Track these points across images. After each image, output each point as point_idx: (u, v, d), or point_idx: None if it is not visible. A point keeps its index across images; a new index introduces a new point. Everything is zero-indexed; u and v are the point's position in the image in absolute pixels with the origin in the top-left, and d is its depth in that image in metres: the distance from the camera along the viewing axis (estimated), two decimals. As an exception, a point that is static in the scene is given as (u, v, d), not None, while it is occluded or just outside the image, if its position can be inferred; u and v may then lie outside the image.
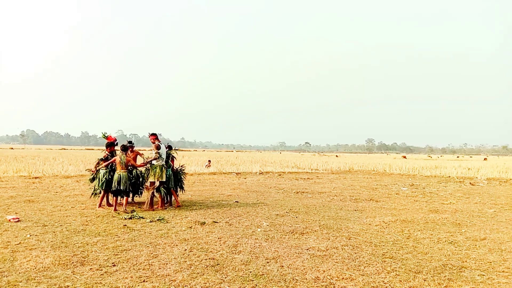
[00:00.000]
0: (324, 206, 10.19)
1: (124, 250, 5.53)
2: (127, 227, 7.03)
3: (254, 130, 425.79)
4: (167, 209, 9.16)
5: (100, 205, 9.11)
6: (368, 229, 7.36)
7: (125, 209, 8.80)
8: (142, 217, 7.87)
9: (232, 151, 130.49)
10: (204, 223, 7.46)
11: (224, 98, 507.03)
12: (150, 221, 7.55)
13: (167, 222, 7.58)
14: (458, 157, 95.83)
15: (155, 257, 5.21)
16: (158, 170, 9.20)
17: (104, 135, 9.73)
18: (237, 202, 10.49)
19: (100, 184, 9.03)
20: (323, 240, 6.35)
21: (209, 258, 5.20)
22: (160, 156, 9.24)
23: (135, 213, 8.33)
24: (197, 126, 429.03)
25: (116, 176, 8.86)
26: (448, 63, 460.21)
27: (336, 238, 6.51)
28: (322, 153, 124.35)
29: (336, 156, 75.12)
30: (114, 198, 8.93)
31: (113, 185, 8.82)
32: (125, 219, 7.73)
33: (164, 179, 9.26)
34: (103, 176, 9.02)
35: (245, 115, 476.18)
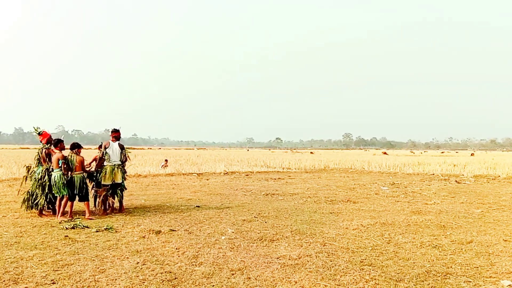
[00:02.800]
0: (297, 209, 10.29)
1: (66, 264, 5.38)
2: (69, 238, 6.84)
3: (219, 125, 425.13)
4: (116, 216, 8.99)
5: (60, 213, 8.72)
6: (345, 233, 7.49)
7: (89, 216, 8.69)
8: (87, 227, 7.69)
9: (193, 148, 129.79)
10: (160, 231, 7.37)
11: (183, 89, 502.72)
12: (96, 231, 7.38)
13: (116, 231, 7.43)
14: (442, 152, 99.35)
15: (102, 272, 5.10)
16: (108, 170, 9.29)
17: (36, 130, 9.45)
18: (198, 206, 10.43)
19: (58, 188, 8.72)
20: (295, 247, 6.41)
21: (165, 272, 5.15)
22: (108, 154, 9.32)
23: (78, 221, 8.12)
24: (152, 120, 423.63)
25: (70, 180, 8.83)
26: (433, 53, 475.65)
27: (309, 245, 6.59)
28: (295, 149, 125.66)
29: (311, 153, 76.12)
30: (64, 204, 8.74)
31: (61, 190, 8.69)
32: (67, 229, 7.53)
33: (120, 181, 9.42)
34: (60, 180, 8.74)
35: (208, 108, 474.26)
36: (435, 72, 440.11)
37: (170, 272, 5.13)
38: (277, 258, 5.81)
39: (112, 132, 9.67)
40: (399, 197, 13.07)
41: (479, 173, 23.18)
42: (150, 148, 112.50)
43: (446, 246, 6.61)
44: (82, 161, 9.04)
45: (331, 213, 9.79)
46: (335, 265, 5.52)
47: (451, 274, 5.23)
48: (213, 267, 5.37)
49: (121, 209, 9.62)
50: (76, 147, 9.18)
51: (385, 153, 76.47)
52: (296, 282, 4.83)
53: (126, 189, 10.10)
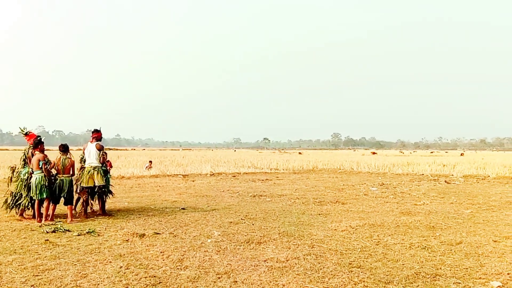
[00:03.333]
0: (285, 210, 10.32)
1: (46, 269, 5.33)
2: (50, 242, 6.77)
3: (205, 125, 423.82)
4: (99, 219, 8.93)
5: (44, 217, 8.71)
6: (334, 235, 7.53)
7: (72, 220, 8.67)
8: (68, 230, 7.62)
9: (178, 149, 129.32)
10: (144, 235, 7.33)
11: (168, 91, 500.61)
12: (78, 235, 7.31)
13: (98, 235, 7.37)
14: (432, 152, 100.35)
15: (84, 277, 5.06)
16: (85, 173, 9.33)
17: (23, 131, 9.43)
18: (184, 209, 10.40)
19: (38, 190, 8.63)
20: (283, 250, 6.42)
21: (150, 276, 5.12)
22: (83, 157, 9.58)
23: (59, 225, 8.04)
24: (136, 120, 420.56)
25: (59, 182, 8.83)
26: (419, 53, 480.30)
27: (297, 247, 6.61)
28: (283, 150, 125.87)
29: (299, 153, 76.34)
30: (46, 207, 8.73)
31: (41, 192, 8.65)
32: (47, 232, 7.45)
33: (102, 183, 9.37)
34: (41, 182, 8.66)
35: (194, 108, 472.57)
36: (424, 72, 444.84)
37: (154, 277, 5.11)
38: (265, 261, 5.82)
39: (92, 132, 9.65)
40: (388, 197, 13.18)
41: (468, 173, 23.47)
42: (134, 149, 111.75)
43: (435, 247, 6.68)
44: (73, 164, 9.07)
45: (319, 214, 9.83)
46: (324, 267, 5.55)
47: (441, 275, 5.29)
48: (199, 270, 5.35)
49: (103, 213, 9.54)
50: (67, 149, 9.16)
51: (374, 153, 77.03)
52: (283, 285, 4.85)
53: (111, 193, 9.98)
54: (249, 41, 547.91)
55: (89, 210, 9.50)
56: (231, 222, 8.61)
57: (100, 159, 9.43)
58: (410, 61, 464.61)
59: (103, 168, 9.55)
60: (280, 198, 12.87)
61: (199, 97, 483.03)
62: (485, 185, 17.34)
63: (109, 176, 9.98)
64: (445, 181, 19.12)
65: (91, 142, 9.60)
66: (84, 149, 9.56)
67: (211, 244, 6.72)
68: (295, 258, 5.98)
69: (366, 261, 5.86)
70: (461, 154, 70.66)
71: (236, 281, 4.97)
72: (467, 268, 5.60)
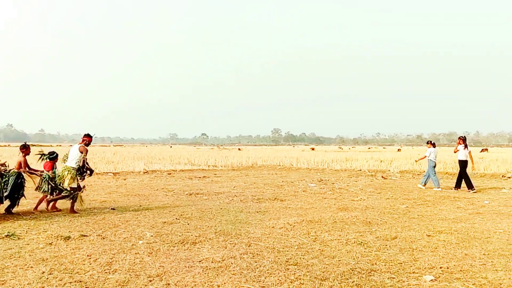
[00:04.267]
0: (222, 209, 10.34)
1: (-45, 279, 5.00)
2: (-40, 248, 6.36)
3: (139, 120, 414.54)
4: (19, 221, 8.50)
5: None
6: (271, 233, 7.64)
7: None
8: (-18, 234, 7.19)
9: (108, 145, 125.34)
10: (69, 237, 7.08)
11: (99, 81, 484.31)
12: (-6, 239, 6.93)
13: (18, 238, 7.03)
14: (370, 148, 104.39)
15: (2, 284, 4.82)
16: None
17: None
18: (114, 209, 10.14)
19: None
20: (219, 249, 6.44)
21: (75, 281, 4.96)
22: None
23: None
24: (61, 114, 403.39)
25: None
26: (357, 50, 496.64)
27: (234, 246, 6.65)
28: (221, 146, 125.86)
29: (239, 149, 76.65)
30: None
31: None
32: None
33: (71, 184, 9.58)
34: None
35: (127, 101, 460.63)
36: (365, 70, 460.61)
37: (80, 281, 4.95)
38: (199, 261, 5.80)
39: (84, 136, 9.98)
40: (326, 194, 13.56)
41: (405, 169, 24.65)
42: (60, 145, 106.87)
43: (371, 243, 6.96)
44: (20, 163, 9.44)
45: (257, 212, 9.94)
46: (260, 266, 5.62)
47: (376, 271, 5.51)
48: (129, 274, 5.24)
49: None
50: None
51: (313, 149, 78.97)
52: (218, 286, 4.86)
53: (71, 196, 9.68)
54: (192, 35, 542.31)
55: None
56: (165, 222, 8.50)
57: (79, 161, 9.64)
58: (352, 60, 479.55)
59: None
60: (217, 196, 12.87)
61: (132, 90, 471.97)
62: (419, 180, 18.22)
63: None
64: (382, 177, 19.95)
65: (78, 143, 10.01)
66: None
67: (142, 246, 6.60)
68: (231, 257, 6.00)
69: (303, 258, 6.00)
70: (398, 150, 73.87)
71: (169, 284, 4.91)
72: (401, 263, 5.87)
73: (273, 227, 8.17)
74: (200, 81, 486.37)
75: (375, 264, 5.81)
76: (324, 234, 7.53)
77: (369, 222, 8.77)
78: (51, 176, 9.81)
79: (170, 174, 21.25)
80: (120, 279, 5.04)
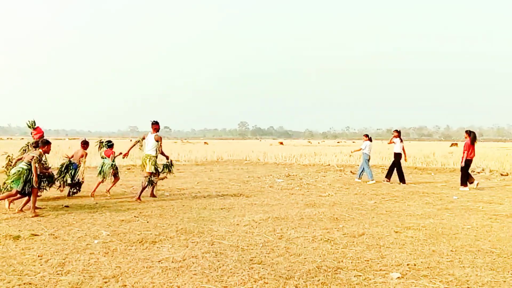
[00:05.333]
0: (184, 205, 10.29)
1: None
2: None
3: (95, 111, 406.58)
4: None
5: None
6: (236, 230, 7.65)
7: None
8: None
9: (63, 139, 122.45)
10: (19, 236, 6.92)
11: (54, 68, 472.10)
12: None
13: (-39, 239, 6.80)
14: (339, 142, 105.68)
15: None
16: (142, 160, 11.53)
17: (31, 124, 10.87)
18: (67, 206, 9.94)
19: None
20: (180, 248, 6.40)
21: (25, 283, 4.84)
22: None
23: None
24: (13, 104, 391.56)
25: None
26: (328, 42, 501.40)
27: (196, 245, 6.62)
28: (185, 140, 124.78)
29: (205, 143, 76.25)
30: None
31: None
32: None
33: (151, 170, 11.05)
34: None
35: (83, 91, 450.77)
36: (337, 62, 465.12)
37: (30, 284, 4.83)
38: (159, 261, 5.75)
39: (152, 124, 11.37)
40: (293, 189, 13.68)
41: (374, 163, 25.05)
42: (11, 138, 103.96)
43: (338, 240, 7.06)
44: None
45: (222, 209, 9.93)
46: (223, 265, 5.61)
47: (342, 268, 5.59)
48: (83, 275, 5.15)
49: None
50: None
51: (281, 143, 79.26)
52: (178, 287, 4.82)
53: (153, 181, 11.25)
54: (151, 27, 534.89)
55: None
56: (123, 220, 8.39)
57: (158, 150, 11.18)
58: (321, 52, 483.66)
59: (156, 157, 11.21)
60: (180, 192, 12.82)
61: (89, 79, 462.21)
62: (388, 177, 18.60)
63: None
64: (351, 172, 20.25)
65: (151, 133, 11.27)
66: (143, 137, 11.46)
67: (98, 245, 6.50)
68: (193, 256, 5.98)
69: (268, 257, 6.03)
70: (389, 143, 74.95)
71: (126, 285, 4.85)
72: (368, 260, 5.97)
73: (237, 224, 8.18)
74: (161, 71, 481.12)
75: (342, 261, 5.89)
76: (290, 231, 7.59)
77: (337, 218, 8.89)
78: (112, 162, 11.83)
79: (129, 169, 20.95)
80: (73, 281, 4.95)
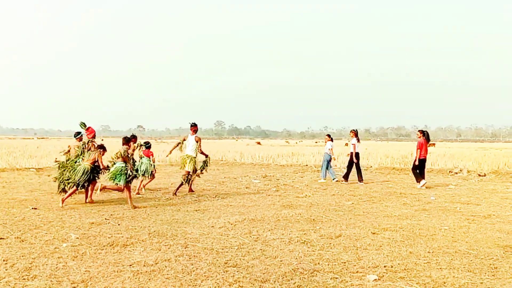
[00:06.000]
0: (157, 207, 10.24)
1: None
2: None
3: (66, 110, 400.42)
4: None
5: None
6: (210, 232, 7.64)
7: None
8: None
9: (32, 138, 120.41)
10: (-17, 241, 6.77)
11: (22, 67, 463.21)
12: None
13: None
14: (316, 142, 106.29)
15: None
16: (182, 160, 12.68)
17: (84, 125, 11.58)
18: (35, 209, 9.78)
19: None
20: (152, 252, 6.36)
21: (-12, 290, 4.74)
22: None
23: None
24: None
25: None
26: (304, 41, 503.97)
27: (169, 248, 6.59)
28: (159, 139, 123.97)
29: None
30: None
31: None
32: None
33: (188, 169, 12.37)
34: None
35: (53, 90, 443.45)
36: (311, 63, 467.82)
37: (-7, 290, 4.74)
38: (130, 265, 5.70)
39: (191, 126, 12.66)
40: (270, 190, 13.71)
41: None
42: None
43: (314, 242, 7.10)
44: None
45: (196, 210, 9.90)
46: (197, 268, 5.59)
47: (318, 271, 5.63)
48: (50, 280, 5.07)
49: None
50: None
51: (259, 143, 79.41)
52: (150, 292, 4.80)
53: (190, 179, 12.54)
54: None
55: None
56: (93, 223, 8.29)
57: (198, 149, 12.42)
58: (299, 50, 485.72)
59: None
60: (153, 193, 12.73)
61: (58, 78, 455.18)
62: (367, 176, 18.86)
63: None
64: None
65: (191, 134, 12.53)
66: (184, 139, 12.88)
67: (66, 249, 6.41)
68: (165, 260, 5.94)
69: (243, 259, 6.03)
70: (345, 144, 75.53)
71: (95, 290, 4.80)
72: (345, 262, 6.02)
73: (212, 226, 8.17)
74: (133, 67, 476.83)
75: (318, 263, 5.93)
76: (267, 233, 7.61)
77: (314, 219, 8.95)
78: (152, 162, 13.20)
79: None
80: (40, 286, 4.88)
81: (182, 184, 12.39)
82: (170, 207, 10.25)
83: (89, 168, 10.39)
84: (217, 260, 5.99)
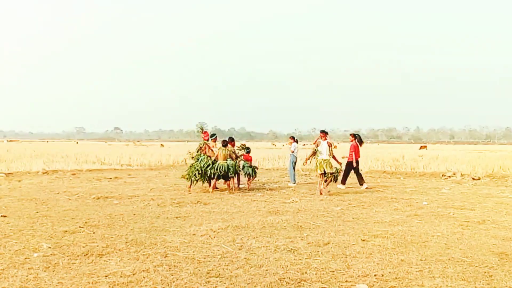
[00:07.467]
0: (136, 214, 10.17)
1: None
2: None
3: (39, 111, 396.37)
4: None
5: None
6: (192, 241, 7.61)
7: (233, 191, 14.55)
8: None
9: (1, 141, 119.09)
10: None
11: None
12: None
13: None
14: (304, 145, 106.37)
15: None
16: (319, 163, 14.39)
17: (201, 128, 15.80)
18: (4, 216, 9.66)
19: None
20: (130, 262, 6.32)
21: (-48, 305, 4.67)
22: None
23: None
24: None
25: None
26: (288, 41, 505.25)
27: (147, 258, 6.55)
28: (138, 142, 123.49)
29: (161, 145, 75.52)
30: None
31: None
32: None
33: (331, 170, 14.33)
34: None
35: (23, 90, 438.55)
36: (297, 64, 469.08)
37: (-42, 305, 4.67)
38: (106, 276, 5.66)
39: (321, 132, 14.57)
40: (255, 195, 13.70)
41: (340, 167, 25.40)
42: None
43: (302, 249, 7.12)
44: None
45: (177, 217, 9.86)
46: (177, 279, 5.57)
47: (306, 280, 5.64)
48: (20, 293, 5.02)
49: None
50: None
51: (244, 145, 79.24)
52: (127, 304, 4.76)
53: (331, 178, 14.46)
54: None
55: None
56: (66, 231, 8.22)
57: (331, 154, 14.47)
58: (286, 49, 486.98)
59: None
60: (131, 199, 12.63)
61: (30, 79, 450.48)
62: (355, 180, 18.91)
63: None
64: (317, 176, 20.44)
65: (323, 140, 14.39)
66: (316, 143, 14.55)
67: (38, 259, 6.35)
68: (144, 270, 5.91)
69: (227, 269, 6.02)
70: (335, 147, 75.98)
71: (68, 303, 4.75)
72: (333, 271, 6.04)
73: (194, 234, 8.14)
74: (110, 67, 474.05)
75: (306, 273, 5.94)
76: (251, 241, 7.61)
77: (301, 226, 8.97)
78: (250, 165, 15.67)
79: (74, 174, 20.60)
80: (8, 300, 4.81)
81: (328, 183, 14.48)
82: (149, 214, 10.19)
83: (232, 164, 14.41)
84: (199, 270, 5.97)
